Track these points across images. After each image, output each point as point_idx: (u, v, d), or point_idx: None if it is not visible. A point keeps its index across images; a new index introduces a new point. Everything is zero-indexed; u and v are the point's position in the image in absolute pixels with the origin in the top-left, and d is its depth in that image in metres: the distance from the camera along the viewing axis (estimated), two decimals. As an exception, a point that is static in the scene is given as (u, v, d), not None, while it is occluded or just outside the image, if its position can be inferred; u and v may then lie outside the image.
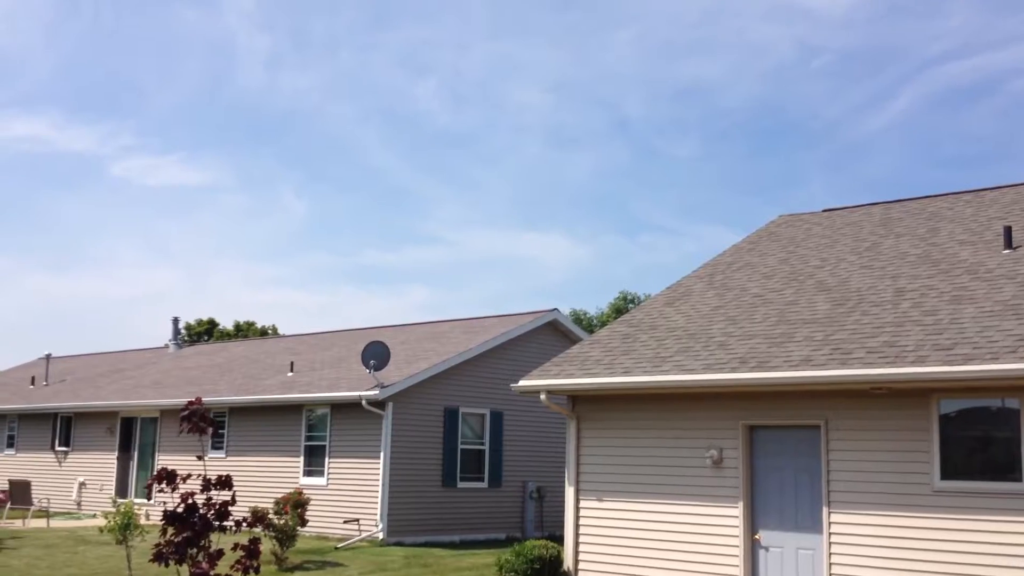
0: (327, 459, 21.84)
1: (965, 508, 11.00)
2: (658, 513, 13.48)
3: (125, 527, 15.02)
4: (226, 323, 59.97)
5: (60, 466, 29.26)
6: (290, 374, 24.57)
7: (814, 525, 12.21)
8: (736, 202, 78.42)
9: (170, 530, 8.74)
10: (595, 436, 14.44)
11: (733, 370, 12.59)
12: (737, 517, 12.77)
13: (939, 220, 16.50)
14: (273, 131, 73.69)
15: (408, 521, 20.84)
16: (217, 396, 23.92)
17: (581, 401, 14.65)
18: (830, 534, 11.97)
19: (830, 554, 11.93)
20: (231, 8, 64.41)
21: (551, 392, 14.53)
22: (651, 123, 76.59)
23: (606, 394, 14.23)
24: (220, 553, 8.71)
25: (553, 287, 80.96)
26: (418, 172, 77.49)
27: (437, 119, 74.41)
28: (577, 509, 14.38)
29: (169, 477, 8.75)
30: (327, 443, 21.93)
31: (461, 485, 22.18)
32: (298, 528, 17.74)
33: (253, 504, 17.53)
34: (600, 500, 14.17)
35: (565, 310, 52.76)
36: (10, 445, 31.30)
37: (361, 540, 20.29)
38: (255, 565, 8.61)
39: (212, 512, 8.73)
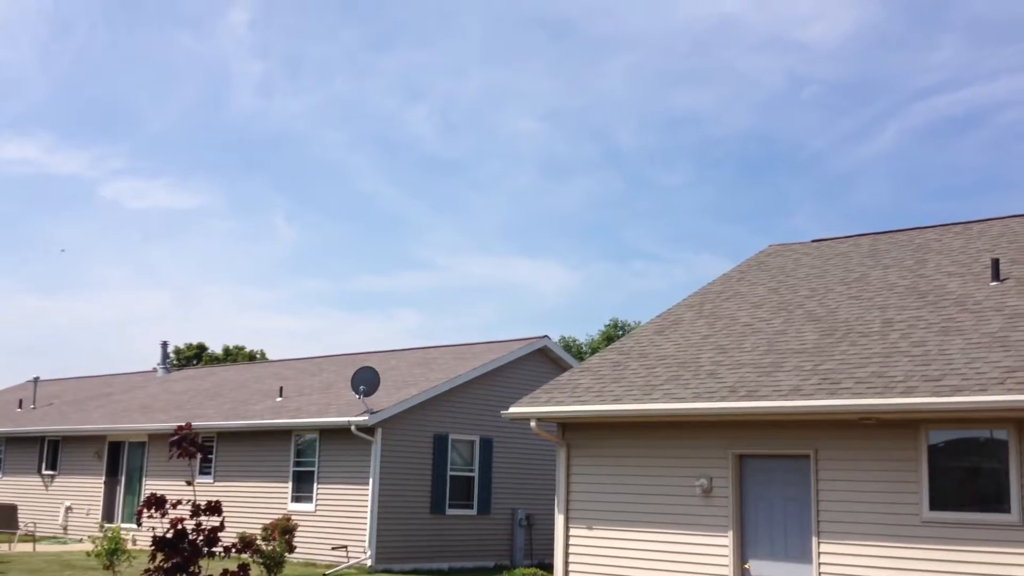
0: (316, 485, 21.77)
1: (953, 539, 11.03)
2: (647, 542, 13.47)
3: (112, 552, 14.97)
4: (215, 347, 59.84)
5: (47, 490, 29.08)
6: (279, 399, 24.52)
7: (803, 555, 12.21)
8: (727, 231, 78.82)
9: (159, 556, 8.71)
10: (585, 464, 14.45)
11: (723, 399, 12.63)
12: (727, 546, 12.77)
13: (927, 252, 16.63)
14: (265, 156, 73.85)
15: (396, 548, 20.76)
16: (205, 421, 23.85)
17: (571, 429, 14.66)
18: (819, 564, 11.98)
19: (819, 584, 11.93)
20: (226, 33, 64.69)
21: (541, 419, 14.54)
22: (643, 152, 77.07)
23: (596, 422, 14.25)
24: (209, 579, 8.68)
25: (545, 314, 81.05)
26: (410, 198, 77.70)
27: (429, 145, 74.71)
28: (566, 537, 14.36)
29: (159, 503, 8.73)
30: (316, 469, 21.87)
31: (450, 512, 22.12)
32: (286, 554, 17.66)
33: (241, 530, 17.44)
34: (590, 528, 14.16)
35: (556, 337, 52.79)
36: (-4, 468, 31.10)
37: (349, 567, 20.20)
38: (244, 591, 8.58)
39: (201, 538, 8.71)
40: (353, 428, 20.50)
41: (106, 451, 27.56)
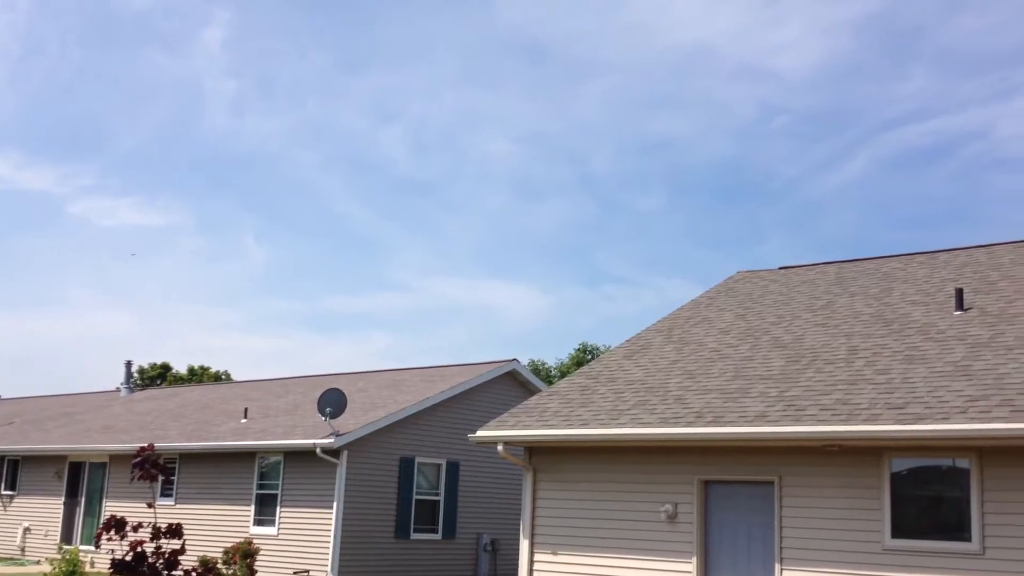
0: (279, 508, 21.56)
1: (915, 567, 11.08)
2: (612, 567, 13.44)
3: (70, 574, 14.72)
4: (180, 368, 59.28)
5: (4, 511, 28.61)
6: (244, 420, 24.30)
7: (767, 582, 12.21)
8: (698, 256, 79.23)
9: (118, 579, 8.58)
10: (551, 488, 14.41)
11: (689, 424, 12.66)
12: (691, 572, 12.76)
13: (892, 280, 16.79)
14: (235, 175, 73.53)
15: (360, 572, 20.56)
16: (168, 442, 23.58)
17: (538, 453, 14.62)
18: (783, 591, 11.99)
19: (783, 611, 11.94)
20: (199, 52, 64.49)
21: (508, 443, 14.50)
22: (617, 176, 77.44)
23: (563, 446, 14.23)
24: (168, 603, 8.56)
25: (516, 337, 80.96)
26: (382, 219, 77.56)
27: (402, 167, 74.70)
28: (531, 562, 14.29)
29: (118, 525, 8.61)
30: (279, 491, 21.66)
31: (415, 536, 21.96)
32: (248, 578, 17.47)
33: (202, 553, 17.27)
34: (555, 553, 14.10)
35: (526, 360, 52.78)
36: (-47, 488, 30.57)
37: (312, 591, 19.99)
38: (203, 616, 8.47)
39: (161, 561, 8.60)
40: (318, 451, 20.34)
41: (66, 471, 27.17)
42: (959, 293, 14.48)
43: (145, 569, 8.54)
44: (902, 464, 11.49)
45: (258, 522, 21.85)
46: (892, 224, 68.32)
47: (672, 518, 13.04)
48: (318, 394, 22.01)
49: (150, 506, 10.36)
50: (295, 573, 20.59)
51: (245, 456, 22.43)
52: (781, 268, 19.71)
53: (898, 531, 11.30)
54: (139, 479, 8.88)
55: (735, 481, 12.78)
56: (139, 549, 8.56)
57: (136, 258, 77.25)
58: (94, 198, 71.29)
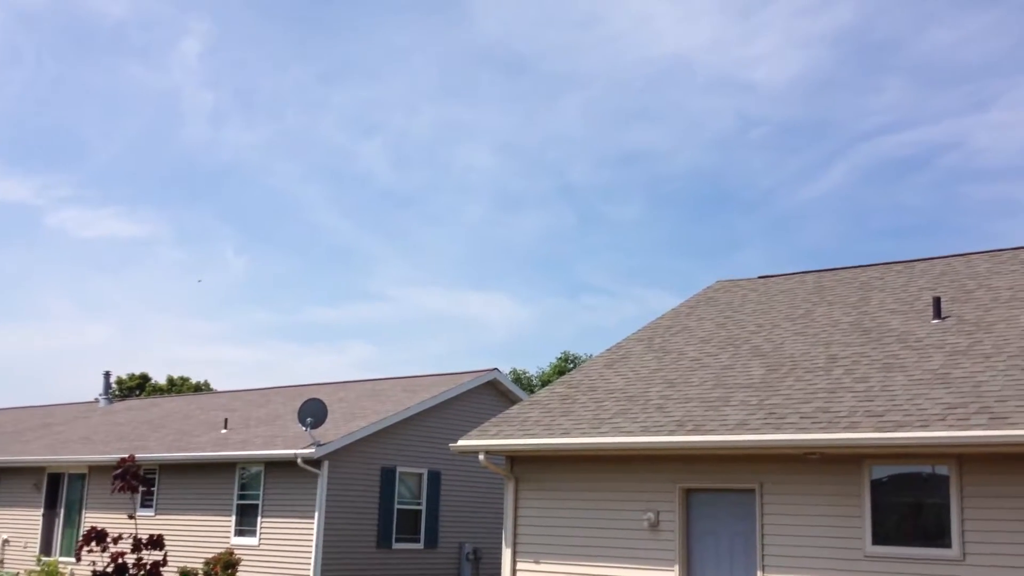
0: (260, 518, 21.46)
1: (896, 574, 11.15)
2: (594, 575, 13.46)
3: (49, 587, 14.61)
4: (159, 378, 58.95)
5: (-19, 523, 28.35)
6: (224, 431, 24.20)
7: (749, 589, 12.26)
8: (677, 266, 79.47)
9: (98, 591, 8.54)
10: (533, 497, 14.42)
11: (670, 433, 12.70)
12: (673, 581, 12.79)
13: (870, 289, 16.91)
14: (214, 187, 73.24)
15: (341, 583, 20.50)
16: (147, 453, 23.43)
17: (519, 462, 14.64)
18: (764, 598, 12.03)
19: (764, 619, 11.98)
20: (176, 63, 64.27)
21: (490, 452, 14.51)
22: (596, 188, 77.62)
23: (545, 455, 14.24)
24: (149, 615, 8.53)
25: (496, 347, 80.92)
26: (362, 231, 77.41)
27: (382, 179, 74.62)
28: (514, 571, 14.29)
29: (99, 537, 8.58)
30: (260, 502, 21.57)
31: (397, 546, 21.92)
32: (228, 589, 17.39)
33: (183, 564, 17.18)
34: (537, 562, 14.11)
35: (507, 370, 52.79)
36: (-71, 500, 30.28)
37: (293, 602, 19.90)
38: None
39: (142, 573, 8.57)
40: (299, 461, 20.28)
41: (45, 483, 26.97)
42: (937, 302, 14.60)
43: (126, 581, 8.51)
44: (882, 471, 11.57)
45: (239, 532, 21.75)
46: (869, 234, 68.79)
47: (654, 526, 13.07)
48: (298, 404, 21.93)
49: (131, 517, 10.33)
50: (276, 584, 20.50)
51: (225, 467, 22.33)
52: (760, 277, 19.81)
53: (879, 538, 11.37)
54: (120, 491, 8.86)
55: (716, 489, 12.83)
56: (120, 561, 8.53)
57: (118, 269, 76.77)
58: (72, 209, 70.92)
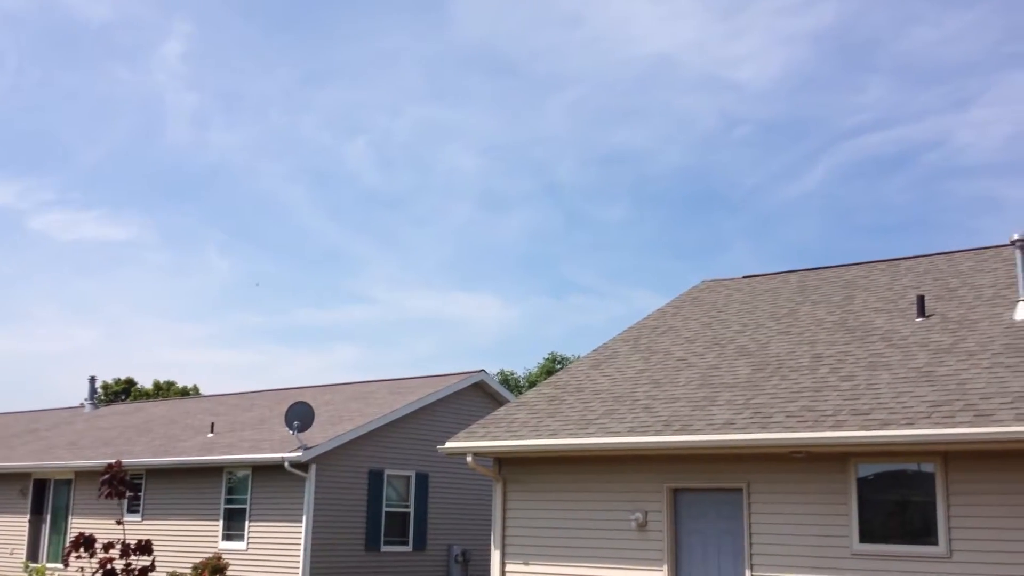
0: (247, 522, 21.42)
1: (883, 571, 11.21)
2: (583, 577, 13.48)
3: (36, 594, 14.55)
4: (145, 382, 58.73)
5: (-33, 530, 28.19)
6: (210, 435, 24.13)
7: (737, 588, 12.31)
8: (663, 266, 79.63)
9: (86, 597, 8.52)
10: (521, 499, 14.44)
11: (657, 433, 12.74)
12: (661, 580, 12.83)
13: (855, 288, 16.99)
14: (199, 189, 73.01)
15: (330, 586, 20.48)
16: (134, 457, 23.35)
17: (507, 463, 14.65)
18: (752, 597, 12.08)
19: (752, 617, 12.03)
20: (160, 66, 64.06)
21: (477, 454, 14.52)
22: (581, 187, 77.71)
23: (532, 456, 14.27)
24: (138, 621, 8.51)
25: (484, 348, 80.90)
26: (348, 232, 77.29)
27: (368, 180, 74.52)
28: (503, 573, 14.30)
29: (87, 543, 8.56)
30: (247, 506, 21.52)
31: (385, 549, 21.90)
32: (217, 594, 17.35)
33: (171, 569, 17.13)
34: (526, 564, 14.13)
35: (494, 371, 52.81)
36: (-86, 508, 30.08)
37: (281, 606, 19.86)
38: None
39: (131, 578, 8.55)
40: (286, 464, 20.24)
41: (31, 489, 26.84)
42: (920, 300, 14.69)
43: (115, 587, 8.49)
44: (868, 469, 11.64)
45: (227, 537, 21.70)
46: (852, 232, 69.09)
47: (642, 526, 13.11)
48: (285, 408, 21.89)
49: (118, 523, 10.30)
50: (264, 588, 20.46)
51: (213, 471, 22.27)
52: (745, 277, 19.88)
53: (866, 535, 11.43)
54: (106, 497, 8.84)
55: (704, 489, 12.88)
56: (109, 566, 8.51)
57: (103, 272, 76.44)
58: (56, 212, 70.60)
